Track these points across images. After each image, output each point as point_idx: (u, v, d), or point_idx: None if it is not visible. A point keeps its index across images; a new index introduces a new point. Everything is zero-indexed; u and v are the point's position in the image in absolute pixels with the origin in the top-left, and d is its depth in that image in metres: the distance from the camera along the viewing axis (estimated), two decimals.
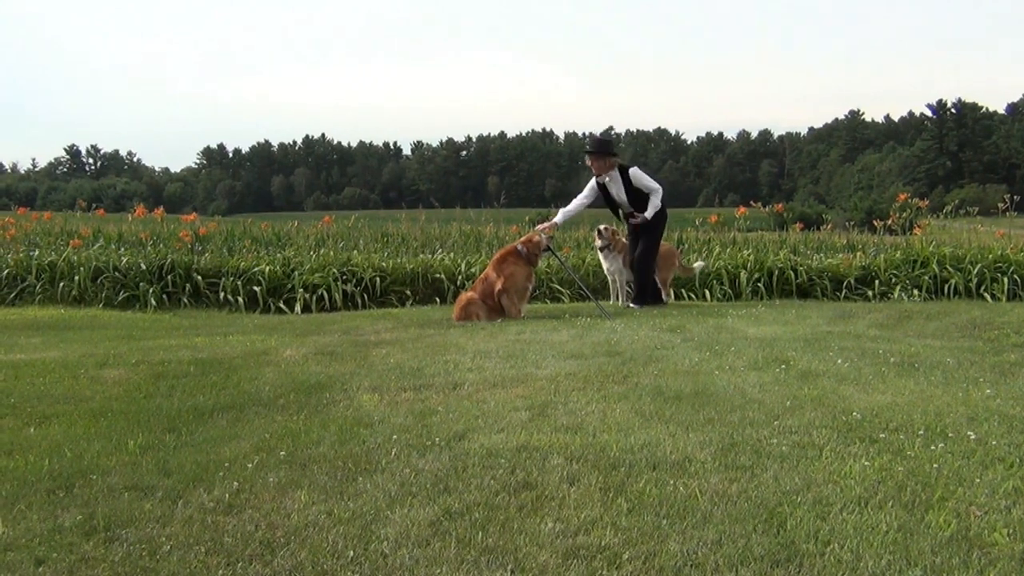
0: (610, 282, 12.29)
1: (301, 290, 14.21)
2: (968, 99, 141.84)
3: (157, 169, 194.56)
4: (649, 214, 11.34)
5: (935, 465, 4.20)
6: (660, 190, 11.45)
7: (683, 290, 14.57)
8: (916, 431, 4.79)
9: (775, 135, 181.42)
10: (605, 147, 11.60)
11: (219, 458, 4.70)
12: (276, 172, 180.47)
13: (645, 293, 11.61)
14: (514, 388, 6.21)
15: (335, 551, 3.47)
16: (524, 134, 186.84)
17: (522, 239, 11.11)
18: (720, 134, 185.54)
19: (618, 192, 11.54)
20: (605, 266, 12.12)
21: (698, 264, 13.76)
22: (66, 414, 5.77)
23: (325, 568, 3.34)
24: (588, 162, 11.62)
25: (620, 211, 11.82)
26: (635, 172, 11.46)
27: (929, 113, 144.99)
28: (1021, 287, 13.84)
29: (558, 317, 10.33)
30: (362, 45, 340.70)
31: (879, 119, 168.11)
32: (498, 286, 10.40)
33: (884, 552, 3.31)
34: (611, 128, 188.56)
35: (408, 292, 14.61)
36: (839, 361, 6.89)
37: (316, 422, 5.46)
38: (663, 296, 12.08)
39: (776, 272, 14.76)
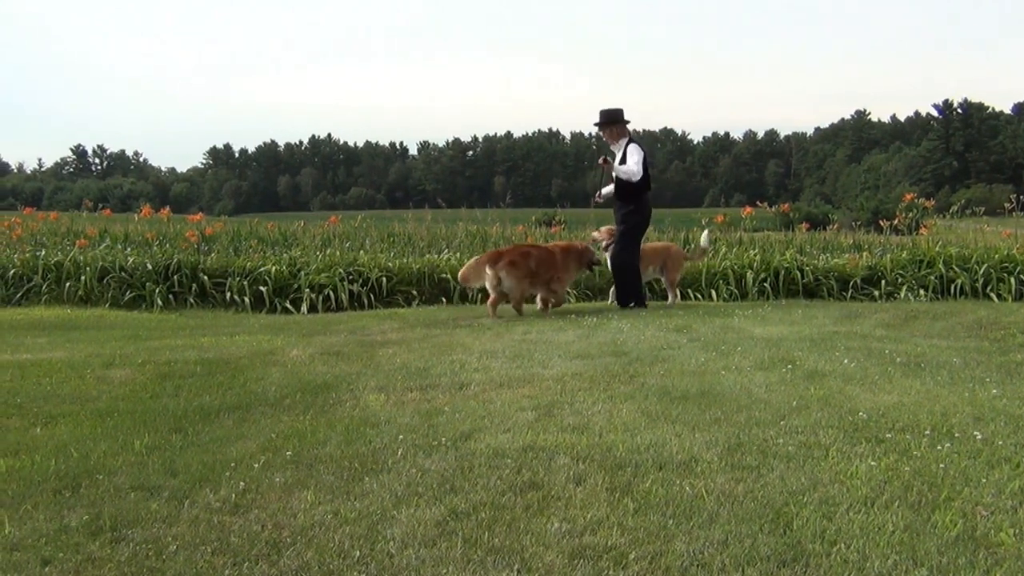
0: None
1: (307, 290, 14.21)
2: (974, 99, 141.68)
3: (163, 169, 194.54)
4: (618, 170, 11.25)
5: (941, 465, 4.20)
6: (636, 173, 11.23)
7: (689, 290, 14.56)
8: (922, 431, 4.79)
9: (781, 135, 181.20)
10: (607, 116, 11.64)
11: (225, 458, 4.71)
12: (282, 172, 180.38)
13: (629, 293, 11.54)
14: (520, 388, 6.22)
15: (341, 551, 3.47)
16: (530, 134, 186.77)
17: (582, 244, 11.84)
18: (726, 134, 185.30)
19: (616, 160, 11.52)
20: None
21: (704, 235, 13.46)
22: (72, 414, 5.78)
23: (331, 568, 3.35)
24: (602, 134, 11.83)
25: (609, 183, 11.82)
26: (633, 146, 11.43)
27: (935, 113, 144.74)
28: None
29: (564, 317, 10.33)
30: (368, 45, 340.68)
31: (885, 119, 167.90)
32: (559, 273, 10.98)
33: (890, 552, 3.31)
34: None
35: (414, 292, 14.60)
36: (845, 361, 6.88)
37: (322, 422, 5.47)
38: (645, 300, 11.92)
39: (782, 272, 14.73)
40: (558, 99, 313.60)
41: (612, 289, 12.14)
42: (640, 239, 11.70)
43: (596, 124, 11.78)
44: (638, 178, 11.23)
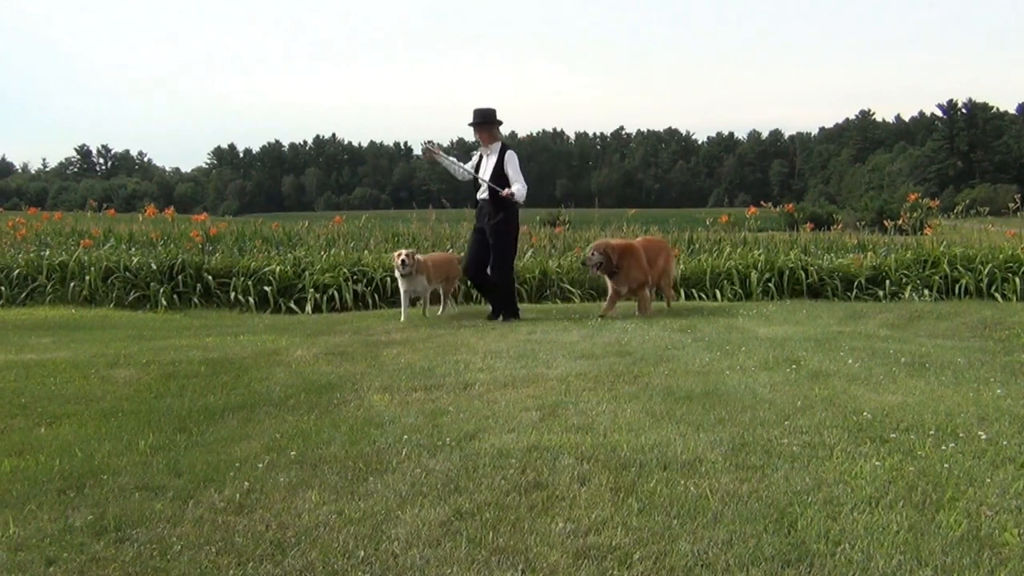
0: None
1: (312, 290, 14.20)
2: (979, 99, 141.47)
3: (168, 169, 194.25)
4: (515, 191, 10.44)
5: (946, 465, 4.20)
6: (525, 187, 10.61)
7: (693, 290, 14.57)
8: (927, 431, 4.79)
9: (786, 135, 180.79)
10: (483, 116, 10.91)
11: (230, 458, 4.71)
12: (287, 172, 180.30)
13: (506, 306, 10.80)
14: (525, 388, 6.22)
15: (346, 551, 3.48)
16: (535, 134, 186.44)
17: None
18: (731, 134, 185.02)
19: (487, 166, 10.84)
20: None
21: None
22: (77, 414, 5.78)
23: (336, 568, 3.35)
24: (476, 135, 11.10)
25: (480, 186, 10.92)
26: (511, 155, 10.74)
27: (940, 113, 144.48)
28: None
29: (568, 317, 10.34)
30: (373, 45, 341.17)
31: (890, 119, 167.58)
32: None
33: (895, 552, 3.31)
34: (622, 128, 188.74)
35: None
36: (850, 361, 6.88)
37: (327, 422, 5.47)
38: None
39: (787, 272, 14.72)
40: (562, 99, 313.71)
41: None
42: (516, 244, 11.14)
43: (471, 124, 11.08)
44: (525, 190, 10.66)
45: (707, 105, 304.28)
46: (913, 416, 5.12)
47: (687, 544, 3.42)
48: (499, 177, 10.63)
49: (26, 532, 3.72)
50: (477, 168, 11.01)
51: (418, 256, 11.22)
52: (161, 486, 4.27)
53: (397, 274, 11.16)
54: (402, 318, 10.97)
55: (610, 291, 11.07)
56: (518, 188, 10.50)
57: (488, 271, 10.80)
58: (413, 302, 11.74)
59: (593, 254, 10.82)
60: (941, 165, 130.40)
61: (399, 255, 10.98)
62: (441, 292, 11.79)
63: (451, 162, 11.34)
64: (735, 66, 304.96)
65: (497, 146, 10.88)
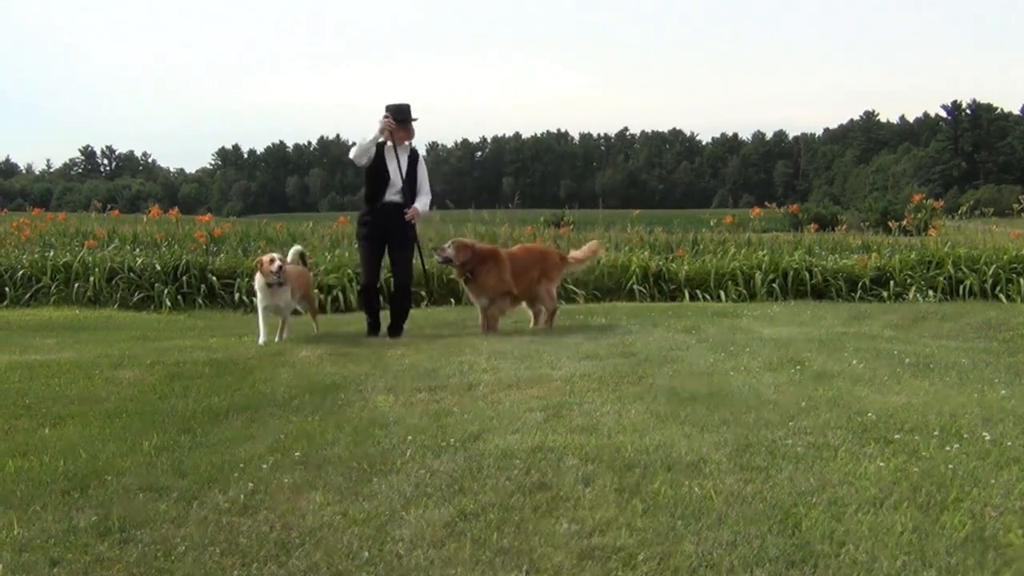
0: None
1: (316, 291, 14.22)
2: (983, 100, 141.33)
3: (172, 170, 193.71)
4: (422, 208, 9.56)
5: (950, 466, 4.19)
6: (430, 196, 9.81)
7: (698, 291, 14.58)
8: (931, 432, 4.78)
9: (790, 136, 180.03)
10: (407, 113, 9.52)
11: (234, 459, 4.72)
12: (291, 173, 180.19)
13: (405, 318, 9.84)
14: (529, 389, 6.21)
15: (350, 552, 3.48)
16: (539, 135, 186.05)
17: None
18: (735, 135, 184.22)
19: (399, 167, 9.45)
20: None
21: (292, 250, 10.75)
22: (81, 415, 5.79)
23: (340, 569, 3.35)
24: (392, 134, 9.45)
25: (385, 188, 9.49)
26: (423, 163, 9.76)
27: (944, 114, 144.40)
28: None
29: (572, 317, 10.33)
30: (376, 46, 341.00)
31: (894, 120, 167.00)
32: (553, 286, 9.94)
33: (899, 553, 3.30)
34: (626, 128, 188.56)
35: (423, 293, 14.58)
36: (854, 362, 6.87)
37: (331, 423, 5.47)
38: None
39: (791, 273, 14.75)
40: (566, 100, 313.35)
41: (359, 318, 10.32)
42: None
43: (399, 121, 9.46)
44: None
45: (711, 106, 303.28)
46: (917, 417, 5.11)
47: (691, 545, 3.42)
48: (411, 182, 9.58)
49: (30, 533, 3.72)
50: (380, 160, 9.53)
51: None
52: (165, 487, 4.28)
53: (258, 285, 9.34)
54: (261, 339, 9.09)
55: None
56: (426, 202, 9.74)
57: (396, 277, 9.89)
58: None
59: (447, 247, 9.69)
60: (945, 166, 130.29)
61: (271, 260, 9.07)
62: (303, 310, 10.40)
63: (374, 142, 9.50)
64: (739, 67, 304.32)
65: (409, 145, 9.68)
